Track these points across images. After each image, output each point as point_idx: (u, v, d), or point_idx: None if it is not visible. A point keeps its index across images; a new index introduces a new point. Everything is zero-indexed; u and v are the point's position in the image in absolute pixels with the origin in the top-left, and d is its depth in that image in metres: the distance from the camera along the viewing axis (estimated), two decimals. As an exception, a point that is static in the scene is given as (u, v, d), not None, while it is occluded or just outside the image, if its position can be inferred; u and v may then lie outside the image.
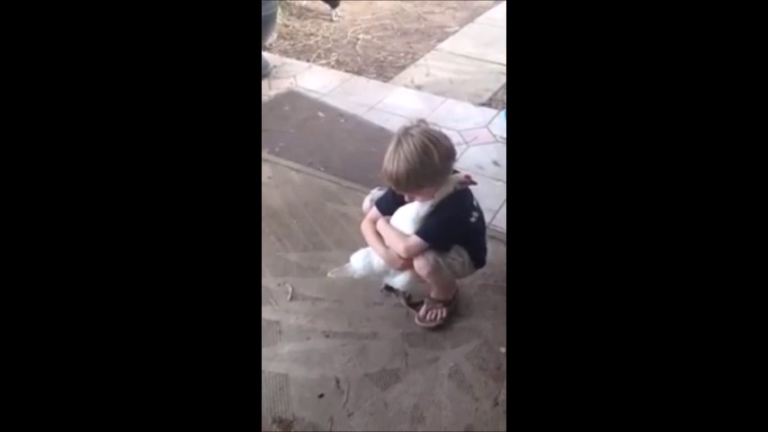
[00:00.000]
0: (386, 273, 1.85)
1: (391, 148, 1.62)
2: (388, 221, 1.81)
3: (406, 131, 1.62)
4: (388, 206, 1.82)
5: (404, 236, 1.73)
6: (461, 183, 1.72)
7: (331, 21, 4.32)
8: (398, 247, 1.73)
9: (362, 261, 1.86)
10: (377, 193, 1.98)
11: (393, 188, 1.71)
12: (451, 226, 1.73)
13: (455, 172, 1.75)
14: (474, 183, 1.76)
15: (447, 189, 1.69)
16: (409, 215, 1.75)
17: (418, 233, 1.70)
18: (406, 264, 1.75)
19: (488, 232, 1.98)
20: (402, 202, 1.77)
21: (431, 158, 1.59)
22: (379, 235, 1.81)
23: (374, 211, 1.87)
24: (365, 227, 1.88)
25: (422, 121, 1.67)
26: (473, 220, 1.76)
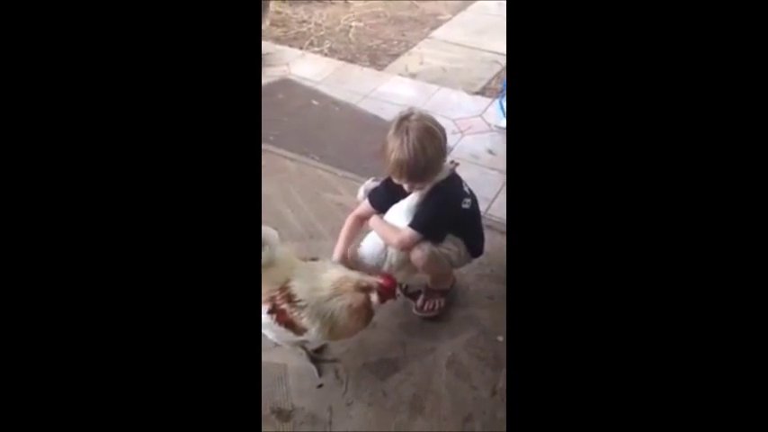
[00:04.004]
0: (379, 268, 1.85)
1: (397, 138, 1.59)
2: (381, 218, 1.80)
3: (405, 119, 1.60)
4: (382, 199, 1.81)
5: (397, 229, 1.73)
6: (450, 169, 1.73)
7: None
8: (392, 240, 1.73)
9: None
10: (371, 183, 1.97)
11: (402, 179, 1.65)
12: (443, 213, 1.72)
13: None
14: (457, 164, 1.78)
15: (441, 176, 1.69)
16: (402, 209, 1.75)
17: (411, 225, 1.70)
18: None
19: (484, 221, 1.98)
20: (395, 196, 1.76)
21: (439, 140, 1.61)
22: (350, 231, 1.84)
23: (365, 205, 1.87)
24: (348, 222, 1.88)
25: (411, 107, 1.69)
26: (465, 206, 1.75)
